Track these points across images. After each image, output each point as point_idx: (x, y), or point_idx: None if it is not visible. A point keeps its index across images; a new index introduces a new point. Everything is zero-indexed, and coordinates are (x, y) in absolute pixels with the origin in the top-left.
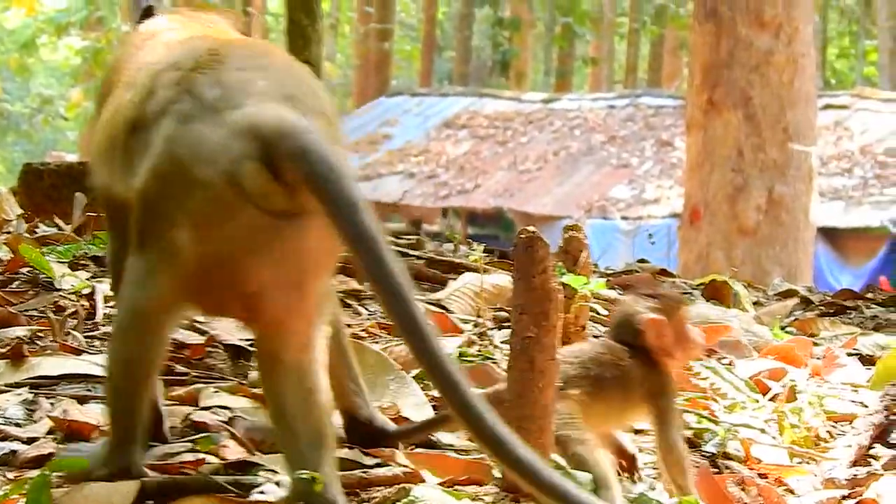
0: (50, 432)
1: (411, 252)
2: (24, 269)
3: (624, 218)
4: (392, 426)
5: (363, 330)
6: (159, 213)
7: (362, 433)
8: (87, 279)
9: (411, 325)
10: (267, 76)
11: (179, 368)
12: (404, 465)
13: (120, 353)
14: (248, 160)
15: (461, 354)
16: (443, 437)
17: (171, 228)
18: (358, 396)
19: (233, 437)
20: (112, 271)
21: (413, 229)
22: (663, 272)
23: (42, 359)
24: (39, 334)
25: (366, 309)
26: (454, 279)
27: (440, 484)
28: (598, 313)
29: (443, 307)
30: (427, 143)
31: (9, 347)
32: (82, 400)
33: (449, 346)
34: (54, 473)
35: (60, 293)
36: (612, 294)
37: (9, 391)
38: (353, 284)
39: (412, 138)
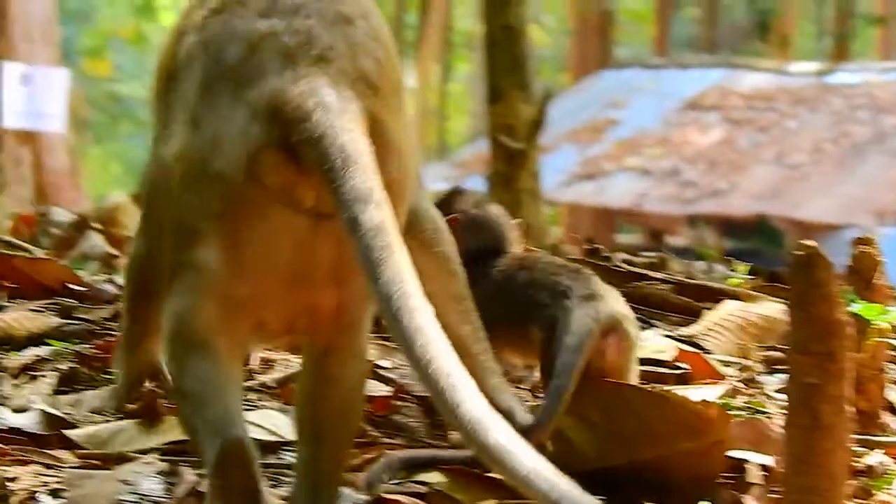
0: None
1: (652, 274)
2: None
3: None
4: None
5: None
6: (182, 210)
7: None
8: None
9: (419, 349)
10: (296, 25)
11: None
12: None
13: (183, 392)
14: (266, 149)
15: (724, 406)
16: None
17: (194, 233)
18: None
19: None
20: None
21: (653, 243)
22: None
23: None
24: None
25: None
26: (710, 309)
27: None
28: None
29: (697, 345)
30: (666, 131)
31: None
32: None
33: (705, 394)
34: None
35: None
36: None
37: (141, 458)
38: None
39: (646, 124)
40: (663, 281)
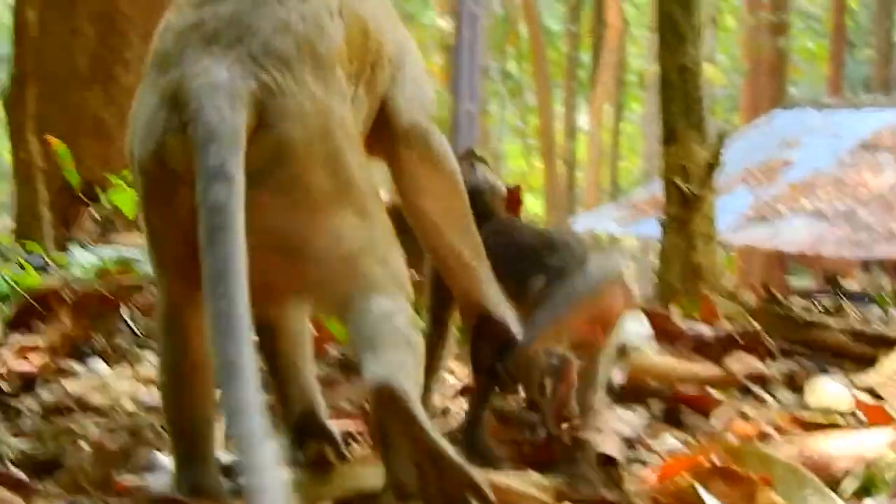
0: None
1: (829, 321)
2: (333, 347)
3: None
4: None
5: (770, 424)
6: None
7: None
8: None
9: (222, 337)
10: (221, 11)
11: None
12: None
13: (160, 360)
14: (168, 133)
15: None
16: None
17: (141, 211)
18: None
19: None
20: None
21: (826, 287)
22: None
23: (356, 467)
24: (353, 435)
25: (773, 396)
26: (890, 358)
27: None
28: None
29: (877, 395)
30: (840, 172)
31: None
32: None
33: (881, 442)
34: None
35: None
36: None
37: None
38: (757, 364)
39: (820, 165)
40: (842, 330)
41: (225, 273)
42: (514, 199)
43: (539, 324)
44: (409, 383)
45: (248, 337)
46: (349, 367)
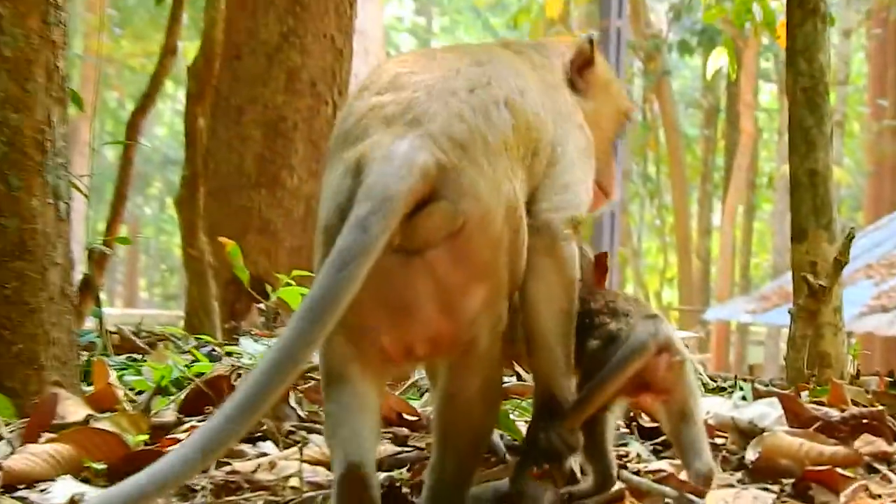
0: None
1: None
2: None
3: None
4: None
5: (894, 500)
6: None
7: None
8: None
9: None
10: (400, 98)
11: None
12: None
13: (326, 414)
14: (351, 199)
15: None
16: None
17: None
18: None
19: None
20: None
21: None
22: None
23: None
24: None
25: None
26: None
27: None
28: None
29: None
30: None
31: None
32: None
33: None
34: None
35: None
36: None
37: None
38: (882, 445)
39: None
40: None
41: (312, 307)
42: (600, 265)
43: (583, 400)
44: None
45: (290, 372)
46: None
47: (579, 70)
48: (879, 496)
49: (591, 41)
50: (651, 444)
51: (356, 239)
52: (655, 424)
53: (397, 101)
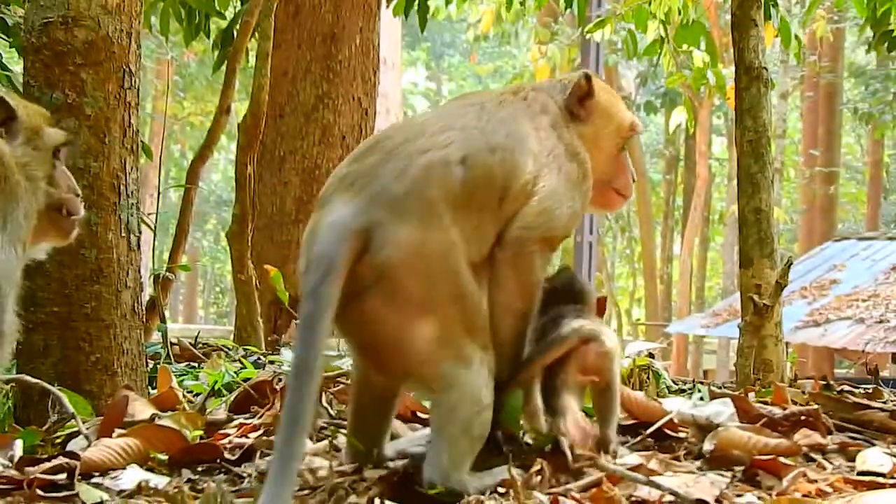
0: None
1: (872, 403)
2: None
3: None
4: None
5: (829, 485)
6: None
7: None
8: None
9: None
10: (362, 164)
11: None
12: None
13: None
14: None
15: None
16: None
17: None
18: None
19: None
20: None
21: (868, 376)
22: None
23: None
24: (496, 493)
25: (830, 463)
26: None
27: None
28: None
29: None
30: (876, 289)
31: None
32: None
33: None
34: None
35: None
36: None
37: None
38: (817, 438)
39: (861, 283)
40: (881, 409)
41: (298, 371)
42: (600, 305)
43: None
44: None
45: (303, 428)
46: None
47: (580, 101)
48: (815, 481)
49: (587, 76)
50: (624, 439)
51: (312, 307)
52: (630, 422)
53: (360, 167)
